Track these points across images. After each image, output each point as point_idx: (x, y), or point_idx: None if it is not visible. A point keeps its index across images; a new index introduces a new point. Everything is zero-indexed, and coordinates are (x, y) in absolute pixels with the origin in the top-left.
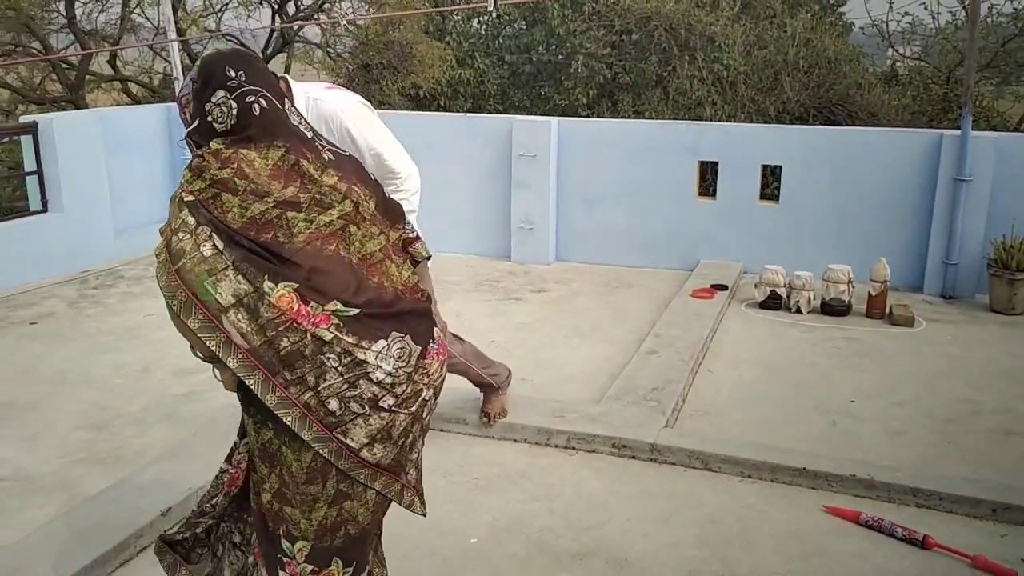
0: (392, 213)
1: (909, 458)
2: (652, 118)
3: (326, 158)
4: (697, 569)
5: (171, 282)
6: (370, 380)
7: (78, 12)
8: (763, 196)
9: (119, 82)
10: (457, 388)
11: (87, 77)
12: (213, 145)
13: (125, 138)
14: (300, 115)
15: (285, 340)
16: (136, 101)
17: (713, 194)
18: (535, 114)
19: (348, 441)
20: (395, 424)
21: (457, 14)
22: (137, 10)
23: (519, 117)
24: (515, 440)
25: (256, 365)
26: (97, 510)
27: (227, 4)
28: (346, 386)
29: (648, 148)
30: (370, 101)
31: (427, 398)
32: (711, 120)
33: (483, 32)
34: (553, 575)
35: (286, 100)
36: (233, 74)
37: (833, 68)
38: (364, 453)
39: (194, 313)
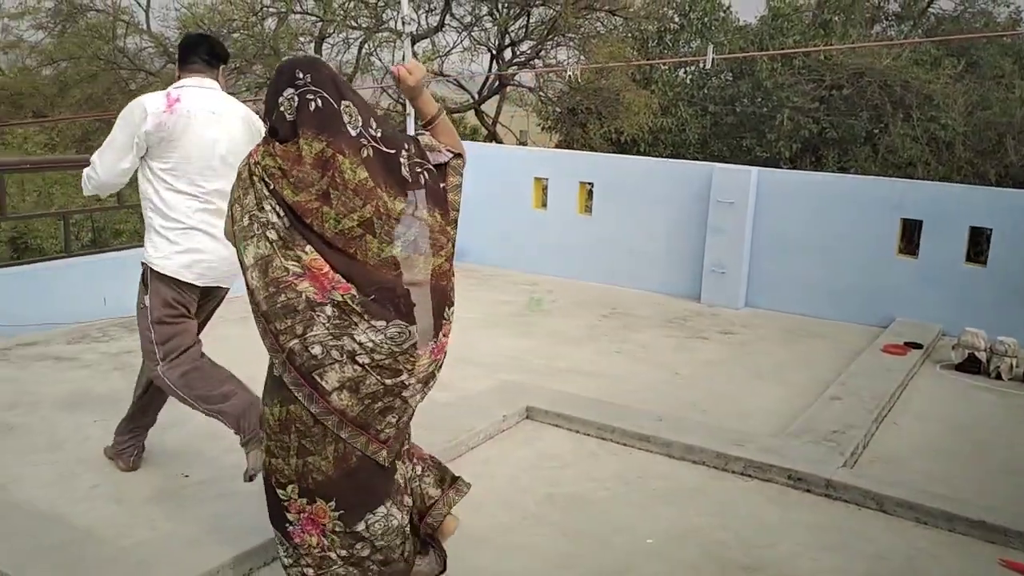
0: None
1: None
2: (858, 175)
3: (364, 155)
4: None
5: (229, 236)
6: (353, 338)
7: (325, 52)
8: (969, 258)
9: None
10: (634, 408)
11: None
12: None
13: None
14: (357, 115)
15: (283, 296)
16: None
17: (914, 252)
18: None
19: (322, 383)
20: (365, 382)
21: (665, 63)
22: (376, 51)
23: (719, 164)
24: (693, 461)
25: (258, 315)
26: None
27: (451, 49)
28: (330, 337)
29: (849, 202)
30: (573, 144)
31: (408, 383)
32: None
33: (688, 82)
34: None
35: (344, 101)
36: (301, 76)
37: None
38: (332, 397)
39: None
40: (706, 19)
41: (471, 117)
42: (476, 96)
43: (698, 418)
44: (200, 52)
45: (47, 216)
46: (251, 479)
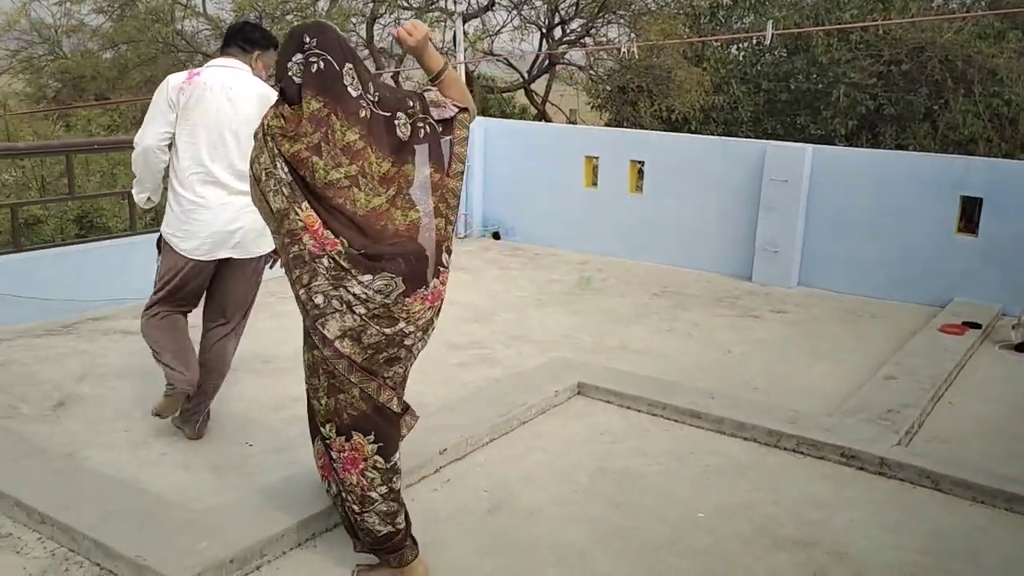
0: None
1: None
2: (916, 152)
3: (362, 115)
4: (918, 574)
5: (255, 199)
6: (347, 289)
7: (376, 32)
8: None
9: None
10: (685, 384)
11: None
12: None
13: None
14: (359, 77)
15: (295, 247)
16: None
17: (974, 231)
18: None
19: (325, 332)
20: (366, 332)
21: (723, 40)
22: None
23: (773, 142)
24: (745, 438)
25: (284, 266)
26: None
27: (501, 28)
28: (330, 287)
29: (906, 180)
30: (624, 122)
31: (408, 331)
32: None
33: (742, 59)
34: (774, 555)
35: (348, 64)
36: (308, 40)
37: None
38: (337, 344)
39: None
40: None
41: (520, 96)
42: (526, 75)
43: (750, 396)
44: (236, 39)
45: (112, 195)
46: (156, 415)
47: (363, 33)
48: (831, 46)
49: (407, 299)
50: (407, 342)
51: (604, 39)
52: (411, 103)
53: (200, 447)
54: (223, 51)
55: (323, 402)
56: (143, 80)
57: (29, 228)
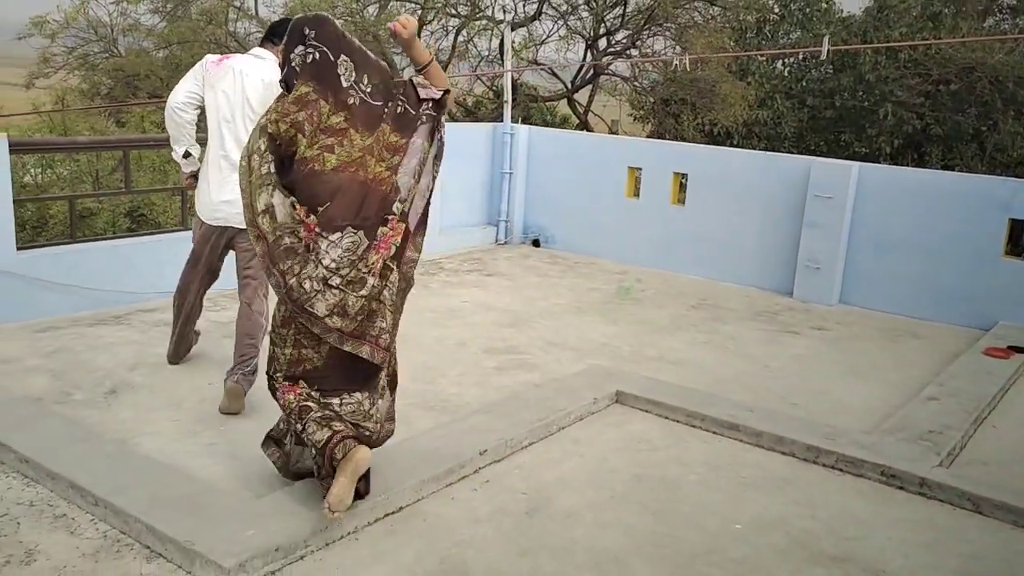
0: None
1: None
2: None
3: (350, 102)
4: None
5: (244, 185)
6: (321, 264)
7: (424, 38)
8: None
9: None
10: (723, 396)
11: None
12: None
13: (455, 150)
14: (353, 70)
15: (287, 240)
16: (451, 118)
17: (1021, 254)
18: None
19: (314, 311)
20: (348, 303)
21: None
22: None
23: (818, 159)
24: (783, 452)
25: (265, 256)
26: (432, 441)
27: (547, 37)
28: (314, 270)
29: (953, 200)
30: (665, 134)
31: (377, 284)
32: None
33: (787, 74)
34: (810, 569)
35: (343, 55)
36: (307, 32)
37: None
38: (327, 321)
39: (246, 211)
40: (808, 9)
41: (562, 106)
42: (569, 85)
43: (788, 410)
44: (270, 32)
45: (165, 191)
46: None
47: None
48: (878, 64)
49: (369, 253)
50: (376, 295)
51: (649, 51)
52: (400, 90)
53: (247, 439)
54: (260, 43)
55: (287, 352)
56: None
57: (83, 220)
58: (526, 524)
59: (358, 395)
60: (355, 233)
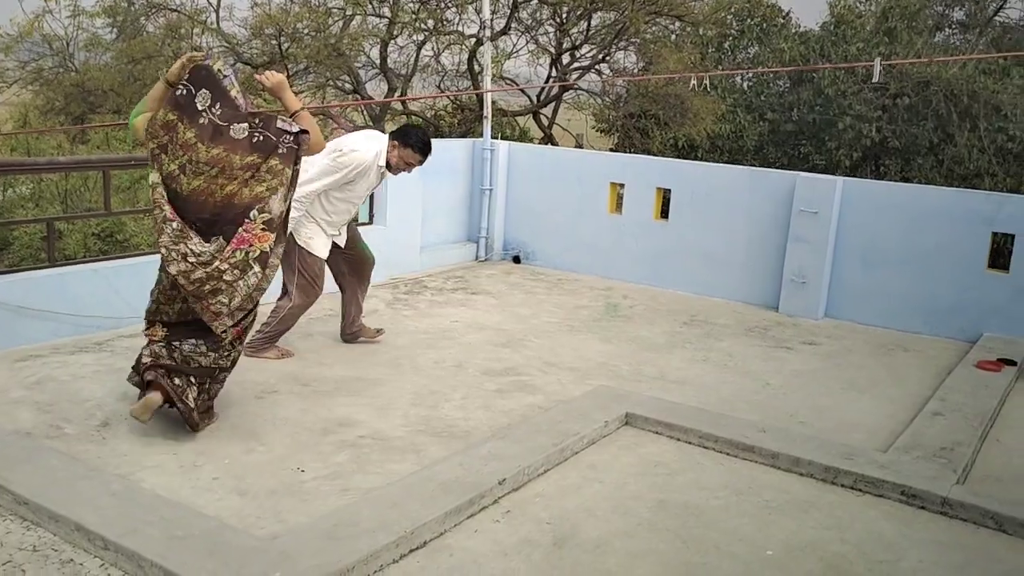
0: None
1: None
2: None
3: (200, 122)
4: None
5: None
6: (187, 245)
7: (391, 54)
8: None
9: (405, 117)
10: (734, 417)
11: (386, 111)
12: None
13: (435, 167)
14: (209, 100)
15: (156, 210)
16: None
17: (1005, 267)
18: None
19: (170, 268)
20: (193, 274)
21: (722, 70)
22: (439, 56)
23: (803, 173)
24: (801, 474)
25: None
26: (449, 471)
27: (513, 52)
28: (172, 243)
29: (937, 214)
30: (631, 148)
31: (223, 268)
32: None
33: (746, 88)
34: None
35: (203, 90)
36: (185, 75)
37: None
38: (178, 279)
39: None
40: (765, 25)
41: (526, 119)
42: (534, 100)
43: (798, 429)
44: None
45: (137, 213)
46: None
47: (375, 55)
48: (837, 78)
49: (227, 246)
50: (227, 277)
51: (618, 66)
52: (256, 120)
53: (251, 473)
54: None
55: (156, 300)
56: None
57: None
58: (556, 556)
59: (194, 340)
60: (217, 239)
